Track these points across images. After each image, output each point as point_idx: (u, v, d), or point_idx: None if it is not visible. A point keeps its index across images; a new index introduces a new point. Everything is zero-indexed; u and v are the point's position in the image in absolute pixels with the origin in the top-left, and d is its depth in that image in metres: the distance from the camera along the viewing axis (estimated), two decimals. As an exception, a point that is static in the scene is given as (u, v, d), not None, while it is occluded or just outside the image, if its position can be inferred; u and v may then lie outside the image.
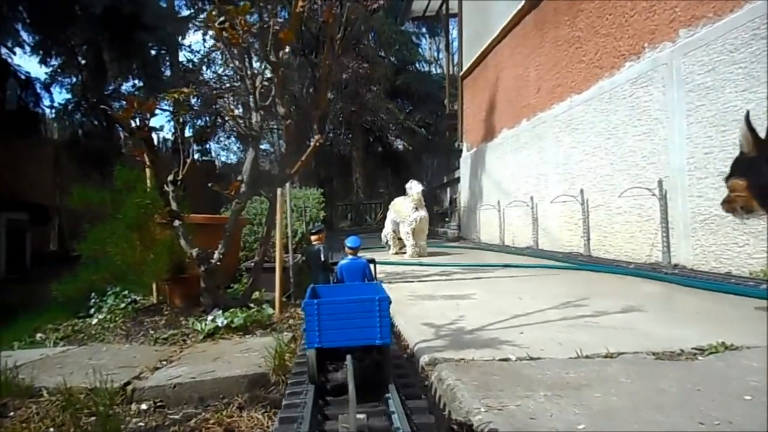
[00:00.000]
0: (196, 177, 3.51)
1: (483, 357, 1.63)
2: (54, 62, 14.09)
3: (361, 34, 15.63)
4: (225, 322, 2.58)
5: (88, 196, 3.29)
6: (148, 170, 3.39)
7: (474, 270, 4.31)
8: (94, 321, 3.11)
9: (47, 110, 14.21)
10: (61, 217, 12.07)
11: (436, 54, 23.64)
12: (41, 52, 13.86)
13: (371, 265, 1.82)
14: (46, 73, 14.41)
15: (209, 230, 3.71)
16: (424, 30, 19.45)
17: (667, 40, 4.06)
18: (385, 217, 6.95)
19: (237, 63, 2.98)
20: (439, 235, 10.10)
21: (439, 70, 21.61)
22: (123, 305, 3.55)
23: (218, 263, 3.08)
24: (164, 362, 2.02)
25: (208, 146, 20.12)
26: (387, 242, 6.58)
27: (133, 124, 2.80)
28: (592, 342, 1.78)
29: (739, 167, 2.36)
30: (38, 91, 13.85)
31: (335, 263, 1.85)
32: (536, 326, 2.07)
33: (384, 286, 3.49)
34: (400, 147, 20.33)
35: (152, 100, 2.76)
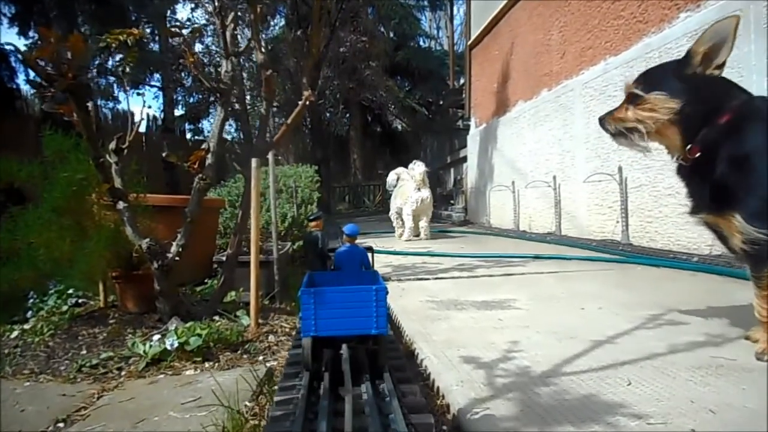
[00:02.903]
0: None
1: (599, 451, 0.90)
2: (33, 34, 13.17)
3: (359, 7, 14.72)
4: (176, 343, 1.84)
5: (9, 170, 2.53)
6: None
7: (498, 262, 3.57)
8: (14, 334, 2.36)
9: (28, 86, 13.32)
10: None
11: (436, 32, 22.66)
12: (18, 24, 12.94)
13: (369, 254, 1.78)
14: (25, 45, 13.46)
15: (176, 215, 2.95)
16: (425, 2, 18.42)
17: (741, -20, 3.28)
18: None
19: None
20: (443, 218, 9.36)
21: (440, 48, 20.69)
22: (66, 308, 2.84)
23: (177, 258, 2.33)
24: (60, 425, 1.28)
25: (200, 125, 19.17)
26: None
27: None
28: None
29: (674, 82, 1.62)
30: (13, 65, 12.92)
31: (333, 250, 1.77)
32: (643, 367, 1.34)
33: (394, 284, 2.75)
34: (400, 127, 19.50)
35: (77, 35, 1.99)
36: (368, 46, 14.84)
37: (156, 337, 1.91)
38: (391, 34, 17.44)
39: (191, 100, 17.55)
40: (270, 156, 2.71)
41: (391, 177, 6.08)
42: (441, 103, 16.63)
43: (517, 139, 6.77)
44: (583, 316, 1.94)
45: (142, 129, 13.11)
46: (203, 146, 2.35)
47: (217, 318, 2.27)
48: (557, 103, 5.62)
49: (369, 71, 15.52)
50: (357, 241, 1.79)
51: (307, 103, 2.40)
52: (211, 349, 1.93)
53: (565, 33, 5.58)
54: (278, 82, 14.08)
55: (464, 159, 9.59)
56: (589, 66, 5.02)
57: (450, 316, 1.99)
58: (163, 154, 2.38)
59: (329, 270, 1.75)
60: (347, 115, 17.91)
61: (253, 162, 2.22)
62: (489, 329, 1.77)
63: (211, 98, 13.73)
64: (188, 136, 18.35)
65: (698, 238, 3.54)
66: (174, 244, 2.35)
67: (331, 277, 1.64)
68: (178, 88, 17.02)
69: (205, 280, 3.38)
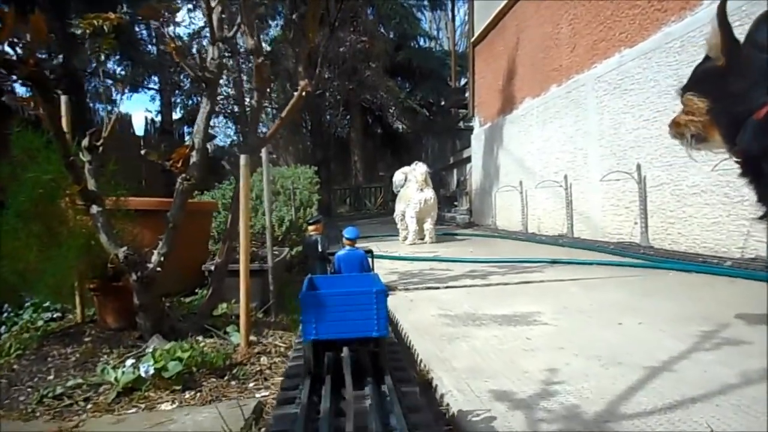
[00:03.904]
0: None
1: None
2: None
3: (359, 7, 14.51)
4: (152, 370, 1.58)
5: (-26, 172, 2.27)
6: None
7: (512, 267, 3.31)
8: (-24, 355, 2.10)
9: (22, 88, 13.09)
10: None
11: (437, 32, 22.40)
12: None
13: (369, 256, 1.78)
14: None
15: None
16: (425, 2, 18.18)
17: (774, -40, 3.02)
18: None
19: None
20: (447, 220, 9.10)
21: (441, 48, 20.43)
22: (41, 323, 2.60)
23: (158, 268, 2.07)
24: (-7, 485, 1.03)
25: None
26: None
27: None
28: None
29: (700, 79, 1.53)
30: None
31: (332, 253, 1.78)
32: (720, 405, 1.07)
33: (400, 295, 2.49)
34: (401, 128, 19.25)
35: (38, 15, 1.74)
36: (368, 46, 14.60)
37: (129, 361, 1.65)
38: (392, 34, 17.21)
39: (189, 102, 17.31)
40: (263, 153, 2.46)
41: (398, 176, 5.76)
42: (442, 103, 16.40)
43: (525, 137, 6.51)
44: (623, 334, 1.68)
45: (140, 132, 12.85)
46: (187, 142, 2.10)
47: (200, 338, 2.01)
48: (568, 99, 5.36)
49: (369, 72, 15.28)
50: (357, 245, 1.78)
51: (304, 94, 2.14)
52: (193, 374, 1.67)
53: (575, 25, 5.33)
54: (277, 83, 13.85)
55: (468, 159, 9.34)
56: (603, 59, 4.77)
57: (469, 335, 1.73)
58: (142, 152, 2.11)
59: (329, 273, 1.76)
60: (347, 116, 17.66)
61: (242, 159, 1.97)
62: (518, 352, 1.51)
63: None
64: (187, 139, 18.09)
65: (727, 240, 3.28)
66: (155, 252, 2.09)
67: (331, 280, 1.63)
68: (176, 91, 16.79)
69: (196, 291, 3.13)
